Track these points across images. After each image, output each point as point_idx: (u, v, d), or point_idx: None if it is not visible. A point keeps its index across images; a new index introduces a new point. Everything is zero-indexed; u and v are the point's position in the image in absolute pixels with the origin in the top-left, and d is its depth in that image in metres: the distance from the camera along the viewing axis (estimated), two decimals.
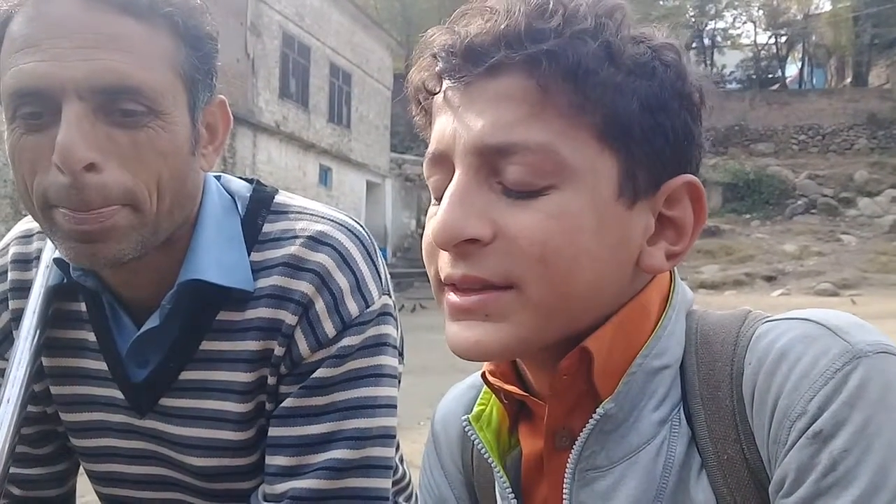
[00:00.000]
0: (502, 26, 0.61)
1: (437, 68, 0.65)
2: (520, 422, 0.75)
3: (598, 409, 0.65)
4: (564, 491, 0.67)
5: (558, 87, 0.60)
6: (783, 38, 36.10)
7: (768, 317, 0.66)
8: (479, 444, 0.73)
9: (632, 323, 0.66)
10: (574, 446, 0.67)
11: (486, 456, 0.72)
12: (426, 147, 0.68)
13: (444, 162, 0.65)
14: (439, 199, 0.65)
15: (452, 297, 0.64)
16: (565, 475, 0.67)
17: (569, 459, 0.67)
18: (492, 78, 0.61)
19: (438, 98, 0.66)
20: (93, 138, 0.80)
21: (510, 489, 0.72)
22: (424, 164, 0.67)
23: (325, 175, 19.81)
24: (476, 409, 0.76)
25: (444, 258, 0.64)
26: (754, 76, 36.15)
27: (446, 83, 0.65)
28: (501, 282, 0.62)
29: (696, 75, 0.66)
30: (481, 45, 0.61)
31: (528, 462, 0.73)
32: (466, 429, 0.74)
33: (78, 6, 0.80)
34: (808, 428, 0.56)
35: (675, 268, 0.70)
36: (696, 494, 0.63)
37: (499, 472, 0.72)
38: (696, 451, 0.64)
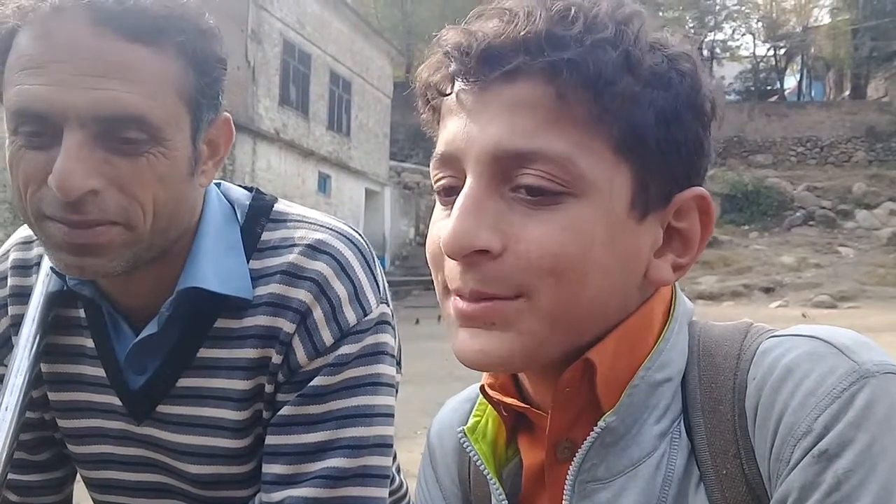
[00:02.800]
0: (522, 31, 0.59)
1: (451, 69, 0.63)
2: (519, 433, 0.75)
3: (599, 422, 0.64)
4: (564, 502, 0.67)
5: (577, 97, 0.58)
6: (782, 51, 36.22)
7: (773, 331, 0.66)
8: (474, 455, 0.72)
9: (635, 334, 0.66)
10: (574, 458, 0.66)
11: (481, 467, 0.72)
12: (426, 156, 0.67)
13: (453, 164, 0.63)
14: (445, 200, 0.64)
15: (459, 301, 0.63)
16: (565, 487, 0.67)
17: (569, 471, 0.66)
18: (508, 83, 0.59)
19: (450, 99, 0.64)
20: (91, 165, 0.80)
21: (506, 501, 0.71)
22: (432, 164, 0.65)
23: (324, 183, 19.81)
24: (471, 420, 0.76)
25: (452, 266, 0.63)
26: (753, 88, 36.27)
27: (459, 85, 0.62)
28: (510, 294, 0.61)
29: (709, 85, 0.65)
30: (499, 49, 0.59)
31: (529, 473, 0.72)
32: (462, 440, 0.73)
33: (87, 31, 0.79)
34: (814, 447, 0.56)
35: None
36: None
37: (494, 483, 0.71)
38: (696, 464, 0.64)
